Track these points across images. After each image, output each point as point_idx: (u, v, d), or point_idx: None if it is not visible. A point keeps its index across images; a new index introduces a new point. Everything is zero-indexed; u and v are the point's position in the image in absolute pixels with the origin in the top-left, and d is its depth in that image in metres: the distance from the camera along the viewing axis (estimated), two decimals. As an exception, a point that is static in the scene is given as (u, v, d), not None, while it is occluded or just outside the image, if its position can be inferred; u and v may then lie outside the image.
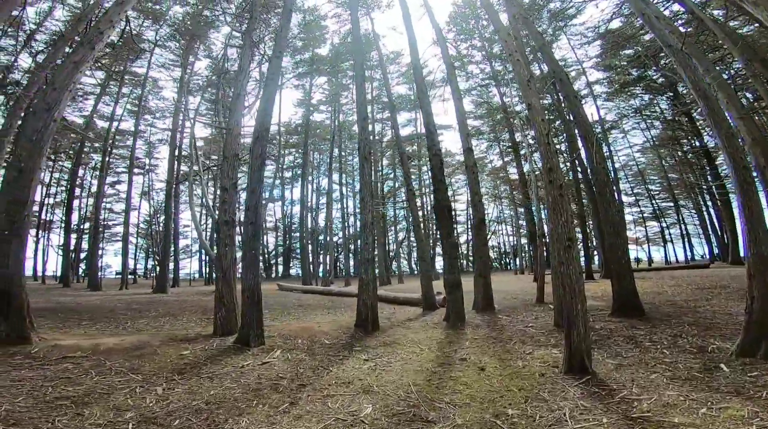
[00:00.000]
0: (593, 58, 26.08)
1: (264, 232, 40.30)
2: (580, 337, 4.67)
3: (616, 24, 20.19)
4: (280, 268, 38.97)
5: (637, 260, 33.80)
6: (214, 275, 20.42)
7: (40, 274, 30.25)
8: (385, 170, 33.88)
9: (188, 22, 20.31)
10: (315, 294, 18.35)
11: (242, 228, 7.69)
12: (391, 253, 36.37)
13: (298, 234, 35.90)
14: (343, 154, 35.80)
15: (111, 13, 8.70)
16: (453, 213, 8.98)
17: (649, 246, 35.56)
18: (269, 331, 7.34)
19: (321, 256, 34.26)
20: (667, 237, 34.75)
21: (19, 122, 11.51)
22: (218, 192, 21.59)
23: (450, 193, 45.15)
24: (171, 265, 23.88)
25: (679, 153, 30.93)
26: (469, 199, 11.32)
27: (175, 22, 21.50)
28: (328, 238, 31.57)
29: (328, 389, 4.57)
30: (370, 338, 7.46)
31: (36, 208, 29.97)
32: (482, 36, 24.65)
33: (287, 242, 36.60)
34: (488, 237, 45.03)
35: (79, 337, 6.79)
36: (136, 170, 29.32)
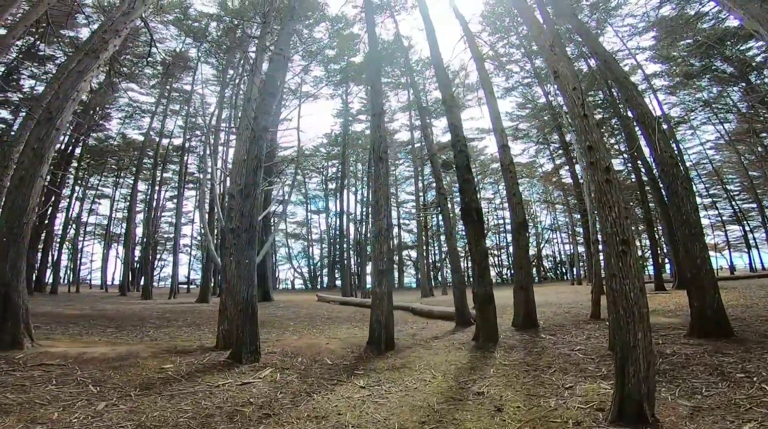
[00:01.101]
0: (647, 50, 23.40)
1: (310, 244, 40.57)
2: (638, 378, 3.23)
3: (666, 11, 17.83)
4: (325, 279, 38.67)
5: (718, 268, 29.69)
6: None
7: (109, 282, 31.81)
8: (427, 179, 32.54)
9: (225, 38, 20.59)
10: (351, 306, 17.42)
11: (236, 235, 6.82)
12: (437, 264, 34.78)
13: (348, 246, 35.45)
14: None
15: (116, 23, 8.43)
16: (484, 217, 7.51)
17: (730, 252, 31.04)
18: (273, 346, 6.81)
19: (368, 267, 33.44)
20: (751, 242, 30.24)
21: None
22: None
23: (498, 200, 43.25)
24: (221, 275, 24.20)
25: (759, 148, 27.02)
26: (507, 200, 9.64)
27: (214, 39, 21.94)
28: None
29: (292, 424, 3.65)
30: (379, 359, 6.34)
31: (105, 221, 31.95)
32: (519, 33, 22.92)
33: (332, 253, 36.21)
34: (542, 245, 42.18)
35: (78, 345, 6.61)
36: (189, 185, 30.38)
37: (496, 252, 42.47)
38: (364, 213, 31.21)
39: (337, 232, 30.09)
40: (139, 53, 22.79)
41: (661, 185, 6.90)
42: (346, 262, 27.07)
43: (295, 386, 4.88)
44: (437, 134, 30.81)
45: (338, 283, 36.60)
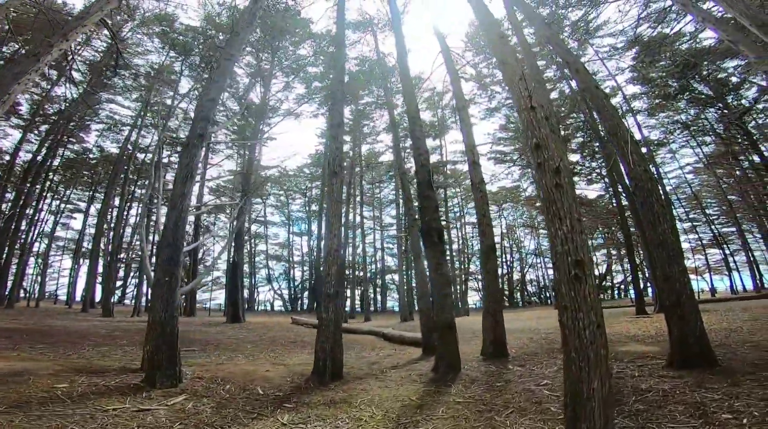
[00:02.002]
0: (626, 71, 23.49)
1: (292, 266, 39.40)
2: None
3: (644, 29, 17.85)
4: (306, 302, 37.42)
5: (699, 291, 29.24)
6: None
7: (78, 299, 30.12)
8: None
9: (208, 52, 20.10)
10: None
11: (158, 250, 5.96)
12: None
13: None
14: (369, 186, 34.46)
15: (67, 27, 7.78)
16: (468, 242, 6.76)
17: (711, 275, 30.67)
18: (206, 371, 6.18)
19: (350, 291, 32.33)
20: (732, 265, 29.93)
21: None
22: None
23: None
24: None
25: (737, 171, 27.06)
26: (476, 221, 8.89)
27: (199, 52, 21.46)
28: (355, 273, 29.74)
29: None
30: (319, 392, 5.49)
31: (76, 235, 30.55)
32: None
33: (313, 276, 35.10)
34: (526, 270, 41.46)
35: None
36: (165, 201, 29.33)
37: (479, 276, 41.71)
38: (349, 235, 30.40)
39: (321, 255, 29.13)
40: (121, 65, 22.16)
41: (636, 202, 6.23)
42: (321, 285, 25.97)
43: (203, 418, 4.23)
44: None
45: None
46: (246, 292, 38.59)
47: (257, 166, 22.87)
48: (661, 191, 6.16)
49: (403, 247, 26.78)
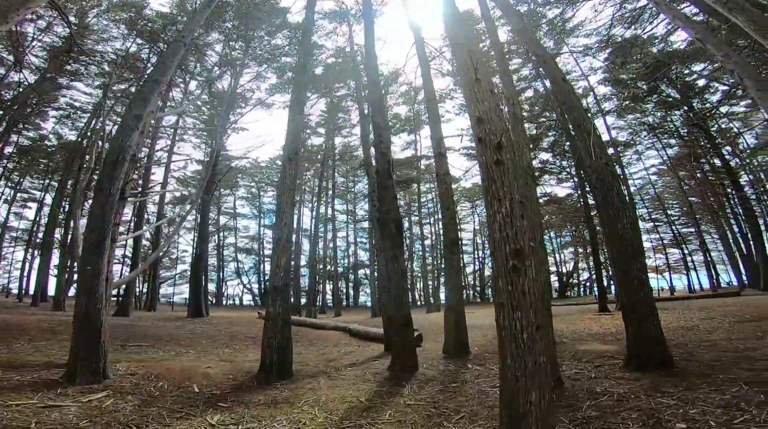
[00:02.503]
0: (599, 71, 23.80)
1: (262, 260, 38.33)
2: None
3: (618, 31, 18.01)
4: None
5: (659, 289, 30.11)
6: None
7: (30, 292, 28.34)
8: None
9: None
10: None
11: (84, 238, 5.41)
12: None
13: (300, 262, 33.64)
14: (342, 179, 33.87)
15: (5, 8, 6.99)
16: (404, 231, 6.41)
17: (670, 274, 31.55)
18: (139, 367, 5.80)
19: (321, 286, 31.77)
20: (690, 264, 30.93)
21: None
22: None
23: (456, 220, 42.82)
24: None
25: (698, 174, 27.91)
26: (440, 215, 8.54)
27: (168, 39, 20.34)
28: (327, 267, 29.23)
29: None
30: (263, 390, 5.15)
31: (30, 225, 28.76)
32: (480, 51, 22.68)
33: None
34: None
35: None
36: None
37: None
38: (320, 228, 29.80)
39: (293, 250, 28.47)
40: (82, 50, 20.89)
41: (594, 196, 6.04)
42: (293, 279, 25.37)
43: (120, 416, 3.91)
44: (395, 151, 30.08)
45: (294, 300, 34.68)
46: (213, 287, 37.54)
47: (225, 156, 21.97)
48: (622, 187, 5.96)
49: (374, 241, 26.51)
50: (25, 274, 26.85)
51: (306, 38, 8.50)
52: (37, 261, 27.17)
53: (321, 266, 30.32)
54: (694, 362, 5.19)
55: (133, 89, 21.79)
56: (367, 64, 8.29)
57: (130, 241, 20.68)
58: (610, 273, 24.00)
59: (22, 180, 27.05)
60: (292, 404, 4.58)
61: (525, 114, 26.13)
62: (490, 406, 4.22)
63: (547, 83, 21.13)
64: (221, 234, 37.37)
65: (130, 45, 21.76)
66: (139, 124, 5.71)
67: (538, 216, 4.92)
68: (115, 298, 27.86)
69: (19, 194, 27.68)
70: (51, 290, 23.56)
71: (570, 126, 6.65)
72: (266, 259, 38.10)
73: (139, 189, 15.83)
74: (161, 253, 22.55)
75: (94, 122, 21.88)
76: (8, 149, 23.99)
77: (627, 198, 5.71)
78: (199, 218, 16.70)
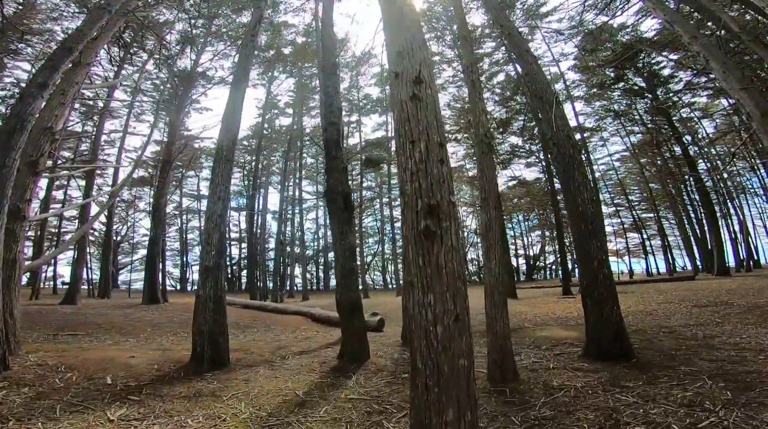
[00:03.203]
0: (570, 56, 23.67)
1: (229, 243, 37.03)
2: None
3: (590, 17, 17.73)
4: (245, 281, 35.55)
5: (619, 273, 30.93)
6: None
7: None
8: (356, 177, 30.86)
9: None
10: (250, 309, 15.19)
11: None
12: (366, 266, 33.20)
13: (268, 245, 32.59)
14: (312, 160, 32.81)
15: None
16: (353, 206, 5.79)
17: (630, 258, 32.56)
18: (54, 357, 5.27)
19: (290, 269, 30.91)
20: (648, 248, 31.91)
21: None
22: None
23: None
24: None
25: (659, 161, 28.55)
26: (399, 191, 7.82)
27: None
28: (294, 250, 28.36)
29: None
30: (187, 382, 4.59)
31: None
32: (453, 33, 22.02)
33: (251, 254, 33.31)
34: (467, 249, 41.99)
35: None
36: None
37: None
38: (288, 210, 28.84)
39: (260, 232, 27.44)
40: (36, 30, 19.12)
41: (555, 169, 5.60)
42: (259, 262, 24.44)
43: (5, 409, 3.51)
44: (366, 132, 29.30)
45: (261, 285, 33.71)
46: (178, 272, 36.05)
47: (187, 136, 20.64)
48: (587, 169, 5.55)
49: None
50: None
51: (257, 6, 7.60)
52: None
53: (289, 249, 29.44)
54: (654, 351, 4.89)
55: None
56: (323, 27, 7.50)
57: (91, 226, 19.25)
58: (575, 256, 24.43)
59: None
60: (217, 397, 4.03)
61: (496, 98, 25.88)
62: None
63: (519, 68, 20.85)
64: (185, 217, 35.73)
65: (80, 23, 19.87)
66: (44, 92, 4.92)
67: (494, 188, 4.41)
68: (67, 286, 26.23)
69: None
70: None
71: (532, 98, 6.15)
72: (233, 242, 36.92)
73: (66, 164, 14.50)
74: (84, 233, 20.96)
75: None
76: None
77: (591, 181, 5.28)
78: (152, 201, 15.51)
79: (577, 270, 23.61)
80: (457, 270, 1.93)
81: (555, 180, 19.21)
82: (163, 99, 21.14)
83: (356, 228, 28.89)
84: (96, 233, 28.69)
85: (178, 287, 35.83)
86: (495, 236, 4.33)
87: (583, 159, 5.62)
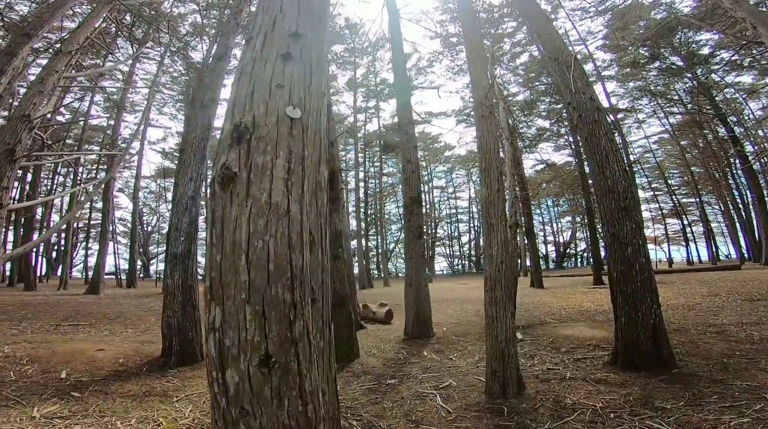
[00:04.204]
0: (598, 35, 21.76)
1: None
2: None
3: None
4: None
5: (657, 261, 28.80)
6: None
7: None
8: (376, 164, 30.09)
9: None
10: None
11: None
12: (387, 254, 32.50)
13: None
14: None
15: None
16: (341, 185, 5.03)
17: (669, 245, 30.11)
18: (21, 348, 5.03)
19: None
20: (689, 235, 29.47)
21: None
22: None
23: (451, 189, 41.22)
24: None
25: (700, 143, 26.18)
26: (402, 168, 7.05)
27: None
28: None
29: None
30: (146, 379, 4.17)
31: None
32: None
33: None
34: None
35: None
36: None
37: (447, 241, 40.84)
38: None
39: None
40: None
41: (581, 138, 4.58)
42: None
43: None
44: (384, 118, 28.35)
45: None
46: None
47: (203, 125, 20.30)
48: (610, 124, 4.51)
49: (362, 210, 25.16)
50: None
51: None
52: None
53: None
54: (699, 358, 3.87)
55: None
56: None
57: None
58: (604, 241, 22.71)
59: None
60: (167, 397, 3.56)
61: (520, 80, 24.29)
62: (416, 420, 2.96)
63: (560, 82, 19.22)
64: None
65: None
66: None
67: (496, 157, 3.55)
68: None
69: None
70: None
71: (548, 60, 5.11)
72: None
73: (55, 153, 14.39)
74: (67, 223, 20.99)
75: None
76: None
77: (621, 152, 4.25)
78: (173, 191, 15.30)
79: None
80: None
81: (585, 163, 17.78)
82: (181, 91, 20.99)
83: (364, 216, 28.07)
84: (128, 225, 29.26)
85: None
86: (497, 214, 3.45)
87: (610, 123, 4.58)
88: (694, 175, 27.95)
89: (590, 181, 16.29)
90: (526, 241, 21.87)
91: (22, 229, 17.75)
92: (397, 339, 6.23)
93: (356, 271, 32.07)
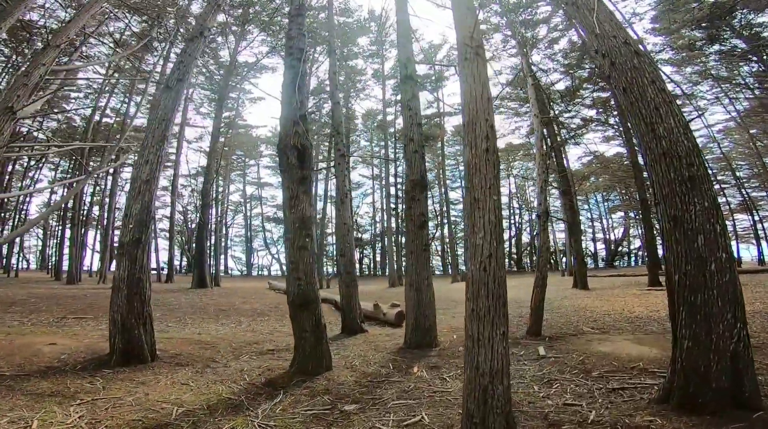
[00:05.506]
0: (644, 17, 19.25)
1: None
2: None
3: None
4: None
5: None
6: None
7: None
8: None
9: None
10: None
11: None
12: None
13: (327, 230, 31.98)
14: (366, 143, 31.32)
15: None
16: (311, 163, 4.06)
17: (737, 243, 26.43)
18: None
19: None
20: (760, 232, 25.71)
21: None
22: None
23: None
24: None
25: (773, 130, 22.71)
26: (403, 146, 5.90)
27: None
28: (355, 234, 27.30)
29: None
30: (71, 379, 3.63)
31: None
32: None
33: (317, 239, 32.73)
34: (534, 232, 37.77)
35: None
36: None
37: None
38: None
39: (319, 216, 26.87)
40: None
41: (617, 94, 3.29)
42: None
43: None
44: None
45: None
46: (245, 257, 37.07)
47: (236, 124, 20.29)
48: (656, 69, 3.18)
49: (392, 206, 24.07)
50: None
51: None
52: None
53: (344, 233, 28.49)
54: None
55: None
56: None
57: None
58: (660, 230, 20.15)
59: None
60: (71, 399, 3.09)
61: (561, 68, 22.21)
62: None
63: (582, 32, 17.23)
64: (250, 204, 36.50)
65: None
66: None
67: (484, 108, 2.42)
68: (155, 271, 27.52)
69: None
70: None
71: (565, 6, 3.81)
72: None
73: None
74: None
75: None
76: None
77: (683, 116, 2.91)
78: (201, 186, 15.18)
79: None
80: None
81: (638, 151, 15.62)
82: (212, 90, 20.96)
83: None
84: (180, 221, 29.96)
85: (245, 271, 36.87)
86: (485, 184, 2.33)
87: (657, 70, 3.25)
88: (766, 166, 24.34)
89: (638, 151, 14.01)
90: (568, 238, 19.86)
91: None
92: (394, 348, 5.19)
93: (386, 269, 31.20)
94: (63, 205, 17.43)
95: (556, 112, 20.68)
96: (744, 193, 25.85)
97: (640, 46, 3.65)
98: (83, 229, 19.89)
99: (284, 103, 4.26)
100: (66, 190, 19.53)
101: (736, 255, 25.47)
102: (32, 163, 24.18)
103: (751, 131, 24.46)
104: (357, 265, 29.25)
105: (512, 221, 38.12)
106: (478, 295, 2.20)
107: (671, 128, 2.75)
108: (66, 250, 18.65)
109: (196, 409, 2.97)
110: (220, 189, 28.79)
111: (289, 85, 4.28)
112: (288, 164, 4.00)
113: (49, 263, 27.24)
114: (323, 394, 3.29)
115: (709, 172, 2.85)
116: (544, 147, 10.20)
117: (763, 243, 25.76)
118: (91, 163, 21.26)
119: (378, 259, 36.72)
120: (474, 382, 2.12)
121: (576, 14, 3.71)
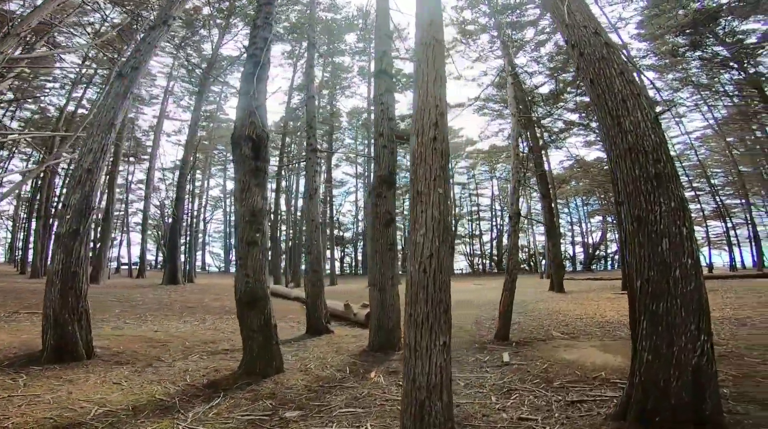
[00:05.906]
0: (630, 22, 19.46)
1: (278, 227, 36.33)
2: None
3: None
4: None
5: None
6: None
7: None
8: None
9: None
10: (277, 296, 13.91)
11: None
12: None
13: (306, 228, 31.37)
14: (351, 141, 31.00)
15: None
16: (267, 155, 3.73)
17: (710, 249, 26.92)
18: None
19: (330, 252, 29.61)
20: (733, 239, 26.26)
21: None
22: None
23: (473, 185, 39.09)
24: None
25: (748, 139, 23.25)
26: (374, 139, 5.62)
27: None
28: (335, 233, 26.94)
29: None
30: (25, 375, 3.49)
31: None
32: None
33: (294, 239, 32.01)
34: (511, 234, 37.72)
35: None
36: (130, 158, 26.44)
37: (468, 239, 38.87)
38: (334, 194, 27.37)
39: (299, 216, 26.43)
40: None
41: (585, 85, 3.10)
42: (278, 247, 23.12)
43: None
44: (400, 108, 26.88)
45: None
46: (223, 253, 36.21)
47: (217, 117, 19.74)
48: (625, 60, 3.02)
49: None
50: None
51: None
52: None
53: (328, 232, 28.05)
54: (758, 406, 2.38)
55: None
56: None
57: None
58: (621, 233, 20.36)
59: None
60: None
61: (547, 71, 22.27)
62: None
63: (557, 23, 17.26)
64: (229, 199, 35.61)
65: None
66: None
67: (439, 63, 2.18)
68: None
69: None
70: None
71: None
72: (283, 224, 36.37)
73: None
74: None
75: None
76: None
77: (651, 110, 2.72)
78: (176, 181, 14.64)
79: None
80: None
81: (603, 146, 15.63)
82: (194, 83, 20.36)
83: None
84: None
85: (223, 267, 36.09)
86: (429, 176, 2.09)
87: (626, 62, 3.09)
88: (741, 174, 24.91)
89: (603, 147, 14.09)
90: (546, 241, 19.90)
91: None
92: (357, 350, 4.94)
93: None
94: (30, 197, 16.59)
95: (539, 115, 20.69)
96: (718, 199, 26.38)
97: (625, 51, 3.50)
98: (50, 222, 19.01)
99: (242, 92, 3.98)
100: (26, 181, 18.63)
101: (708, 261, 26.15)
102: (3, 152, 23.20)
103: (728, 139, 24.99)
104: (338, 264, 28.89)
105: (494, 223, 38.34)
106: (416, 299, 1.96)
107: (638, 122, 2.57)
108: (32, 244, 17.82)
109: (119, 409, 2.73)
110: (198, 183, 28.02)
111: (248, 74, 4.00)
112: (241, 155, 3.72)
113: (16, 256, 26.11)
114: (267, 399, 3.02)
115: (678, 171, 2.66)
116: (520, 147, 10.06)
117: (735, 249, 26.38)
118: (64, 154, 20.41)
119: (360, 258, 36.36)
120: (410, 396, 1.87)
121: (548, 4, 3.53)
